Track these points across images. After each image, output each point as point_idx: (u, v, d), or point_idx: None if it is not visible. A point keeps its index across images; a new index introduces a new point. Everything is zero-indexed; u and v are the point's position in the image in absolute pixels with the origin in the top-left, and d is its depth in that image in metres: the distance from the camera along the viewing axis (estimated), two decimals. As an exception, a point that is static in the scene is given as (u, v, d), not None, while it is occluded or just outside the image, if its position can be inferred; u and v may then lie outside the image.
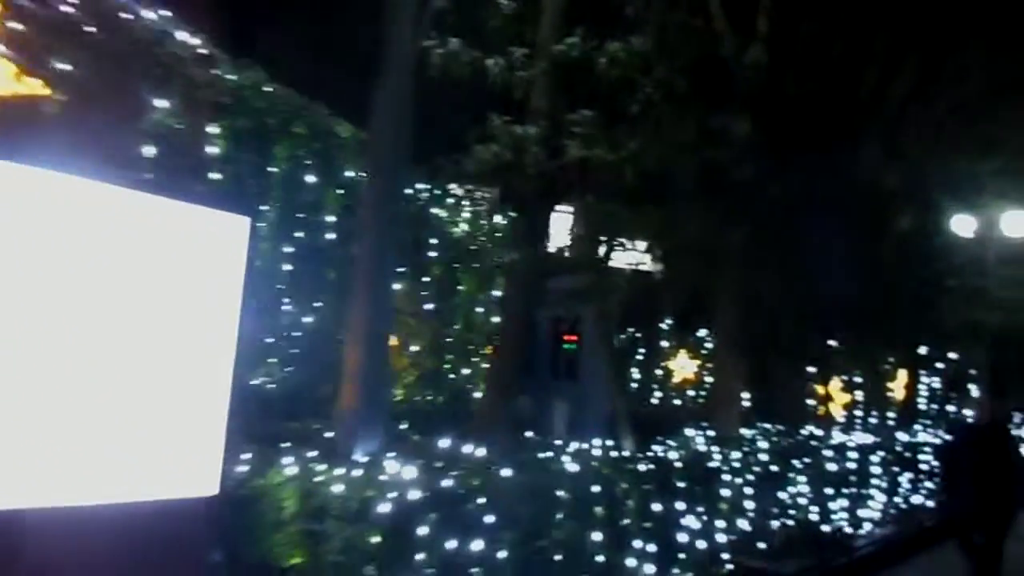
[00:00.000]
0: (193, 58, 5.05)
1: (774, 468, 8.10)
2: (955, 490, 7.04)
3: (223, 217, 3.98)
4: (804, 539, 8.30)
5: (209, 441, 3.77)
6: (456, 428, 6.49)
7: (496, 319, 8.26)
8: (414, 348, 7.31)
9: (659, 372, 13.95)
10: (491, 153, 5.46)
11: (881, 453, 10.31)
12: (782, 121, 9.95)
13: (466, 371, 8.03)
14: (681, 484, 6.17)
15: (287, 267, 5.91)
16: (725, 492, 6.69)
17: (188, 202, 3.66)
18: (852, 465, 9.38)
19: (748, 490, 8.04)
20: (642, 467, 5.94)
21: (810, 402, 14.40)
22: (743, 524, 6.90)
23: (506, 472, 5.00)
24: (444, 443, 5.48)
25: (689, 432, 9.08)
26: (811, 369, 14.79)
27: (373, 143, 5.00)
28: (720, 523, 6.49)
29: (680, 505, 6.04)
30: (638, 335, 13.99)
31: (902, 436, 12.33)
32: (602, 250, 7.37)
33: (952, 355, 16.79)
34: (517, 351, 6.04)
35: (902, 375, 15.46)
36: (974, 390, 16.86)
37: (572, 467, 5.47)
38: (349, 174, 6.30)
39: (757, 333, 12.95)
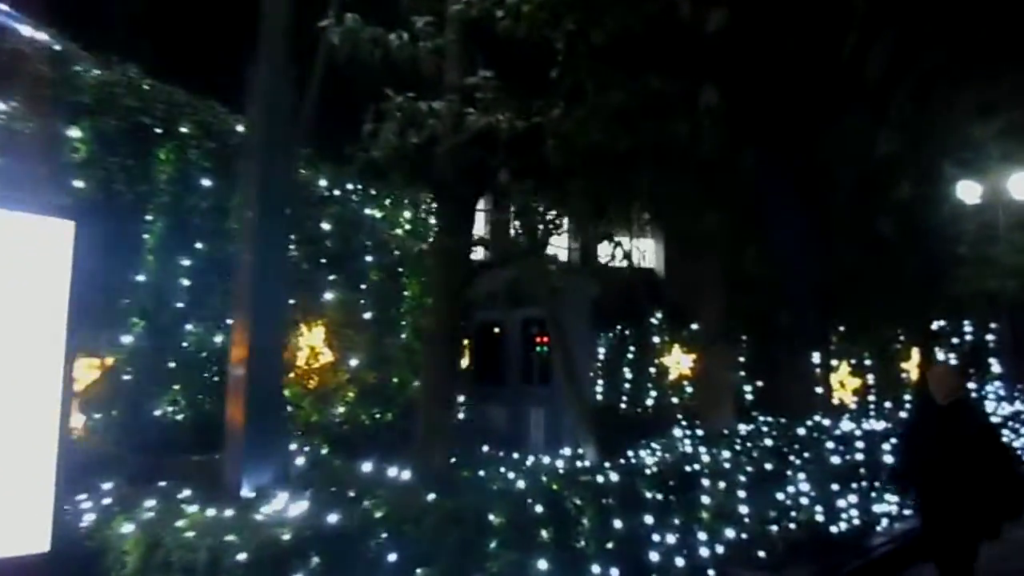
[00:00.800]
0: (40, 54, 4.44)
1: (769, 466, 7.32)
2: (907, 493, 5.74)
3: (42, 224, 3.35)
4: (811, 543, 7.49)
5: (35, 489, 3.12)
6: (406, 448, 5.81)
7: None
8: (353, 362, 6.63)
9: (653, 370, 13.18)
10: (391, 133, 4.78)
11: (894, 440, 9.45)
12: (753, 89, 9.22)
13: (419, 384, 7.31)
14: (652, 494, 5.41)
15: (185, 282, 5.27)
16: (706, 499, 5.92)
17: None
18: (861, 456, 8.55)
19: (742, 493, 7.27)
20: (602, 479, 5.19)
21: (818, 390, 13.57)
22: (732, 532, 6.11)
23: (430, 497, 4.29)
24: (368, 467, 4.78)
25: (678, 432, 8.33)
26: (817, 355, 13.97)
27: (250, 132, 4.34)
28: (703, 535, 5.72)
29: (650, 519, 5.28)
30: (627, 332, 13.24)
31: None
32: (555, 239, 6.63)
33: (968, 329, 15.85)
34: (448, 357, 5.33)
35: (915, 354, 14.55)
36: (995, 364, 15.94)
37: (514, 485, 4.76)
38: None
39: (749, 319, 12.19)
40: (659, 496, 5.45)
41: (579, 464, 5.73)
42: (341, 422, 6.47)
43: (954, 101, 15.38)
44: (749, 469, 7.35)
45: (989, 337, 16.09)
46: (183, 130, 5.27)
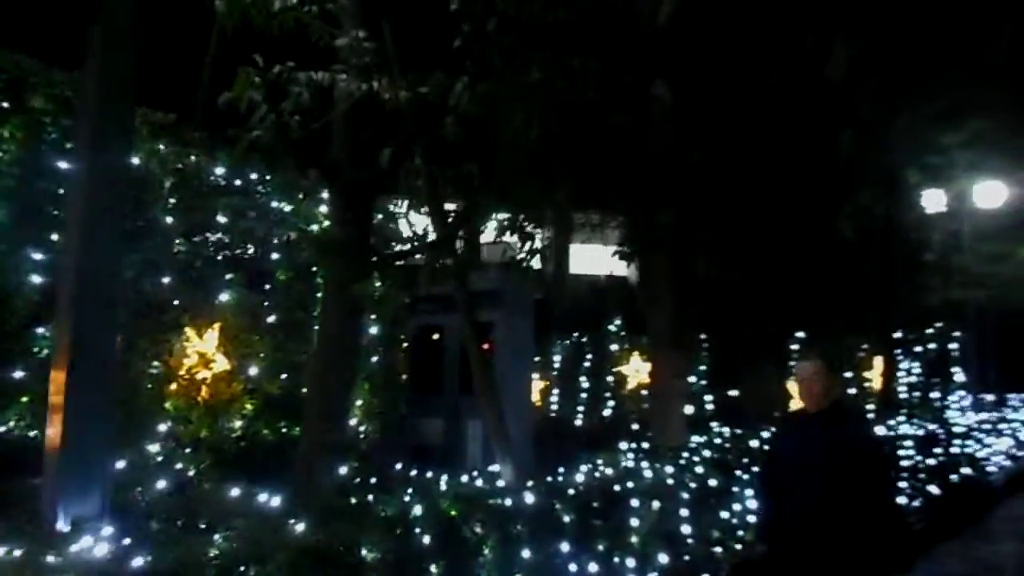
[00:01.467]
0: None
1: (714, 482, 6.77)
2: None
3: None
4: (760, 564, 6.95)
5: None
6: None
7: (373, 330, 6.94)
8: (253, 371, 5.98)
9: (611, 379, 12.63)
10: (263, 107, 4.17)
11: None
12: (705, 84, 8.73)
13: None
14: (572, 518, 4.82)
15: (36, 279, 4.60)
16: (637, 521, 5.34)
17: None
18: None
19: (684, 512, 6.71)
20: (511, 502, 4.60)
21: (782, 399, 13.12)
22: (667, 557, 5.53)
23: (300, 528, 3.66)
24: (239, 491, 4.14)
25: (623, 446, 7.76)
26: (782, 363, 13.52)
27: (81, 101, 3.71)
28: (631, 561, 5.14)
29: (568, 546, 4.68)
30: (584, 339, 12.69)
31: (879, 430, 11.03)
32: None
33: (932, 338, 15.54)
34: (340, 364, 4.72)
35: (878, 363, 14.16)
36: (959, 374, 15.62)
37: (408, 510, 4.14)
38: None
39: (702, 325, 11.68)
40: (581, 520, 4.86)
41: (497, 484, 5.12)
42: (238, 437, 5.82)
43: (919, 106, 15.12)
44: (692, 485, 6.80)
45: (952, 346, 15.79)
46: (34, 105, 4.63)
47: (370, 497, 4.26)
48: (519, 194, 4.72)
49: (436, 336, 8.86)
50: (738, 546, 6.75)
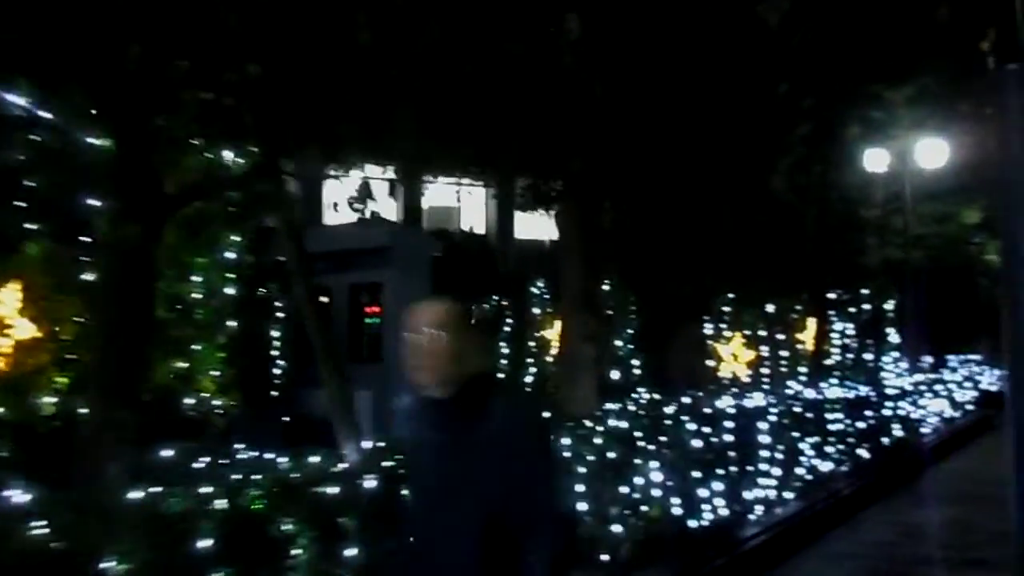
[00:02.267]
0: None
1: (613, 455, 6.13)
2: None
3: None
4: (666, 542, 6.38)
5: None
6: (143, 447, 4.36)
7: (230, 290, 6.10)
8: (67, 338, 5.12)
9: (532, 344, 11.97)
10: None
11: (773, 417, 8.47)
12: (623, 18, 7.92)
13: (182, 364, 5.84)
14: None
15: None
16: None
17: None
18: (731, 437, 7.49)
19: (580, 488, 6.06)
20: (340, 489, 3.85)
21: (710, 363, 12.63)
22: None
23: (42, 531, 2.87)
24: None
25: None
26: (711, 326, 13.00)
27: None
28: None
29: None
30: (505, 303, 11.96)
31: (809, 393, 10.60)
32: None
33: (868, 299, 15.20)
34: (126, 329, 3.90)
35: (811, 325, 13.76)
36: (893, 335, 15.36)
37: (209, 504, 3.38)
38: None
39: (619, 284, 11.05)
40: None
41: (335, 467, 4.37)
42: (51, 416, 4.97)
43: (861, 59, 14.50)
44: (590, 459, 6.15)
45: (888, 307, 15.51)
46: None
47: (155, 490, 3.47)
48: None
49: (324, 299, 8.03)
50: (640, 523, 6.17)
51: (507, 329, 11.96)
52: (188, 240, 5.81)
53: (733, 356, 12.60)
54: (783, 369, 12.91)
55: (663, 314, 10.69)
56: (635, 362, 12.29)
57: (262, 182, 4.07)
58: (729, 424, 7.49)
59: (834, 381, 12.21)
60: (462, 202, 31.29)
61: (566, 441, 6.24)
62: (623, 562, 5.91)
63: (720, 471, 7.16)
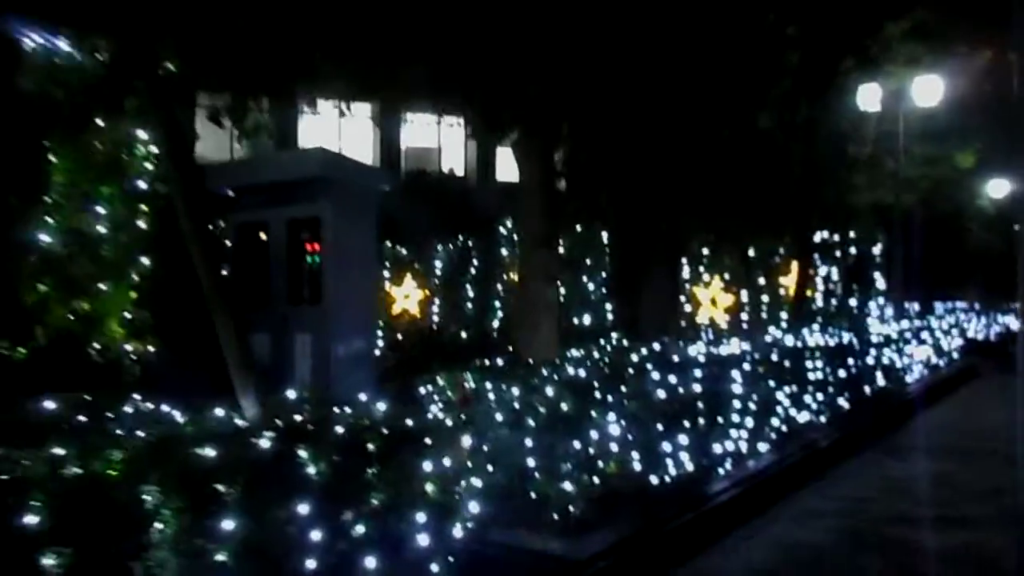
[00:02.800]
0: None
1: (565, 406, 5.58)
2: None
3: None
4: (625, 498, 5.89)
5: None
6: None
7: (142, 224, 5.41)
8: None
9: (500, 288, 11.38)
10: None
11: (748, 366, 7.94)
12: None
13: (84, 305, 5.19)
14: (322, 468, 3.51)
15: None
16: (439, 464, 4.08)
17: None
18: (699, 388, 6.96)
19: (529, 442, 5.53)
20: (224, 450, 3.26)
21: (687, 308, 12.09)
22: (479, 504, 4.33)
23: None
24: None
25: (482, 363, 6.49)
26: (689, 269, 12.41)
27: None
28: (422, 515, 3.90)
29: (310, 508, 3.39)
30: (471, 243, 11.32)
31: (789, 340, 10.10)
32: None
33: (855, 242, 14.60)
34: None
35: (794, 268, 13.17)
36: (879, 280, 14.83)
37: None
38: None
39: (586, 221, 10.40)
40: (337, 471, 3.56)
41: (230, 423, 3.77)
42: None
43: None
44: (542, 410, 5.61)
45: (876, 251, 14.93)
46: None
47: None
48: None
49: (261, 236, 7.35)
50: (596, 479, 5.66)
51: (474, 272, 11.35)
52: (85, 166, 5.09)
53: (711, 301, 12.04)
54: (763, 315, 12.39)
55: (636, 255, 10.07)
56: (609, 306, 11.74)
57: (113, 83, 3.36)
58: (700, 373, 6.95)
59: (816, 328, 11.72)
60: (443, 142, 30.33)
61: (516, 391, 5.68)
62: (574, 522, 5.42)
63: (687, 423, 6.65)
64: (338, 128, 28.53)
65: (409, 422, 4.00)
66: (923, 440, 10.52)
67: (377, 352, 9.36)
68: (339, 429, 3.79)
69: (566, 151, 7.56)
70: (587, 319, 11.43)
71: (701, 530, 6.10)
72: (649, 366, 6.46)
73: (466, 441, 4.42)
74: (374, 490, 3.73)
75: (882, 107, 18.28)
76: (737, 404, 7.47)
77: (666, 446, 6.27)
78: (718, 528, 6.28)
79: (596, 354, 7.55)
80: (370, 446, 3.73)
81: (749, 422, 7.74)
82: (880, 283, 14.79)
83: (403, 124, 29.93)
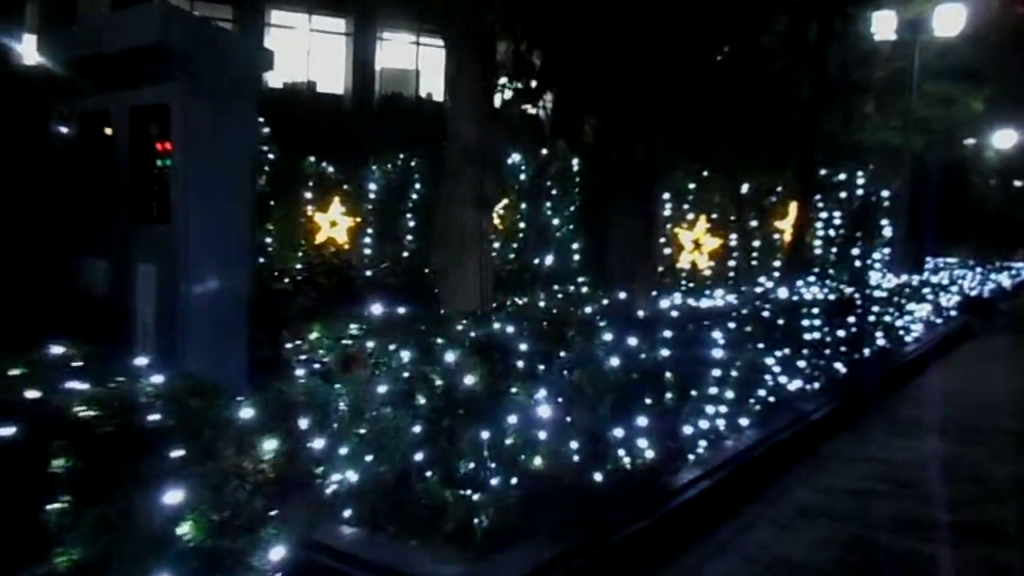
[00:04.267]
0: None
1: (472, 380, 3.94)
2: None
3: None
4: (557, 502, 4.33)
5: None
6: None
7: None
8: None
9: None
10: None
11: (731, 324, 6.35)
12: None
13: None
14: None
15: None
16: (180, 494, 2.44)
17: None
18: (668, 352, 5.35)
19: (416, 430, 3.94)
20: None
21: (667, 251, 10.45)
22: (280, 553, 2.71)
23: None
24: None
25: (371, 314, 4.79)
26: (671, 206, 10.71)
27: None
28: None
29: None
30: (411, 164, 9.52)
31: (783, 293, 8.50)
32: None
33: (860, 185, 12.87)
34: None
35: (792, 210, 11.48)
36: (887, 228, 13.23)
37: None
38: None
39: (533, 134, 8.65)
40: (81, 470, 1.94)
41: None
42: None
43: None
44: (438, 383, 3.98)
45: (884, 194, 13.28)
46: None
47: None
48: None
49: (105, 131, 5.53)
50: (513, 480, 4.08)
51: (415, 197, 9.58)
52: None
53: (695, 244, 10.39)
54: (754, 263, 10.79)
55: (606, 184, 8.34)
56: (574, 246, 10.05)
57: None
58: (669, 333, 5.34)
59: (813, 280, 10.14)
60: (421, 65, 28.01)
61: (406, 355, 4.04)
62: (481, 536, 3.87)
63: (650, 399, 5.06)
64: (308, 46, 26.21)
65: (153, 416, 2.35)
66: (928, 413, 9.12)
67: (283, 290, 7.69)
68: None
69: (513, 41, 5.76)
70: (549, 260, 9.77)
71: (655, 543, 4.59)
72: (603, 323, 4.81)
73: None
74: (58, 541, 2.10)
75: (897, 36, 16.49)
76: (716, 372, 5.90)
77: (618, 431, 4.68)
78: (679, 538, 4.78)
79: (543, 305, 5.90)
80: (56, 463, 2.09)
81: (729, 393, 6.19)
82: (888, 231, 13.20)
83: (379, 44, 27.59)
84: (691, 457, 5.56)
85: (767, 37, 9.93)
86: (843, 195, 11.87)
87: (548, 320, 5.00)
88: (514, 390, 4.04)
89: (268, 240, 7.99)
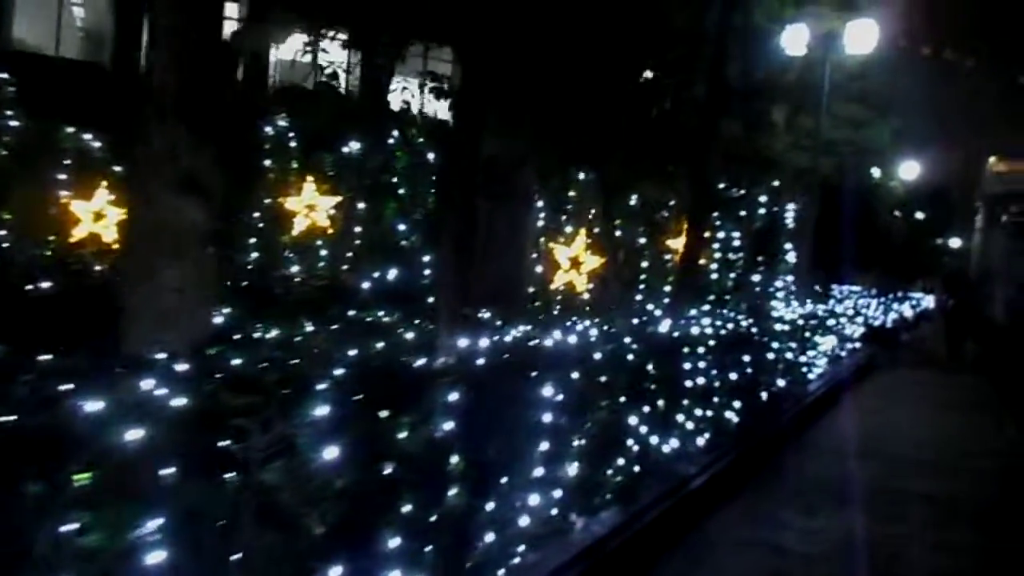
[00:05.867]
0: None
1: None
2: None
3: None
4: None
5: None
6: None
7: None
8: None
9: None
10: None
11: (576, 373, 4.61)
12: None
13: None
14: None
15: None
16: None
17: None
18: (452, 425, 3.52)
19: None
20: None
21: (539, 269, 8.79)
22: None
23: None
24: None
25: None
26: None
27: None
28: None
29: None
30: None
31: (663, 327, 6.88)
32: None
33: (763, 203, 11.57)
34: None
35: (684, 226, 9.98)
36: (791, 254, 12.00)
37: None
38: None
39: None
40: None
41: None
42: None
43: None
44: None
45: (788, 214, 12.08)
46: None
47: None
48: None
49: None
50: None
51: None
52: None
53: (573, 263, 8.75)
54: (640, 286, 9.26)
55: (458, 182, 6.58)
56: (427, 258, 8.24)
57: None
58: (462, 395, 3.52)
59: (707, 309, 8.64)
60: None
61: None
62: None
63: (410, 504, 3.22)
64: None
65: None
66: (834, 471, 7.77)
67: None
68: None
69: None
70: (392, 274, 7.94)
71: None
72: (329, 382, 2.93)
73: None
74: None
75: (808, 51, 15.64)
76: (544, 445, 4.13)
77: (335, 569, 2.80)
78: None
79: (301, 339, 4.02)
80: None
81: (572, 470, 4.45)
82: (792, 257, 11.99)
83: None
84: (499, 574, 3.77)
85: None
86: (743, 213, 10.53)
87: (280, 363, 3.11)
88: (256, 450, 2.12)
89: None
